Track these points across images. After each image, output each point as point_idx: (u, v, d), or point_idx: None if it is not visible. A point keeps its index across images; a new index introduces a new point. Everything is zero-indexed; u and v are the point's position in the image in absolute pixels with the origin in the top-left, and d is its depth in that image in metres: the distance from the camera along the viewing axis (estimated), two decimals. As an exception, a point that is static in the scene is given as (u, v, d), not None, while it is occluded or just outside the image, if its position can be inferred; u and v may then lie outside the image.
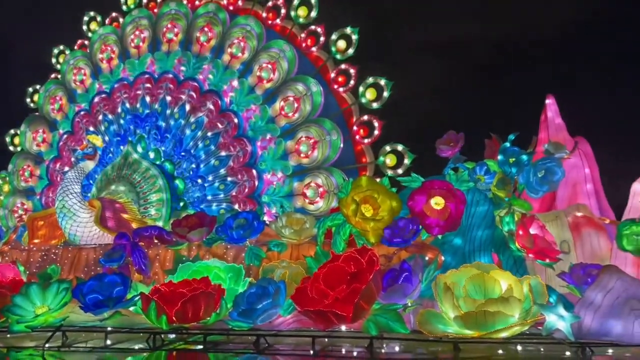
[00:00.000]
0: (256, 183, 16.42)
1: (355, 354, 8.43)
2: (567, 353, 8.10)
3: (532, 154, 11.42)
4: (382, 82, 15.79)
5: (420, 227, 10.22)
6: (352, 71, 16.33)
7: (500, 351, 8.34)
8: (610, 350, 8.30)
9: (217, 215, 12.55)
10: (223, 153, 16.97)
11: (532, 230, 10.47)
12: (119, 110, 18.82)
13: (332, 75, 16.65)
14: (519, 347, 8.47)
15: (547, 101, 15.17)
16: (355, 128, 16.17)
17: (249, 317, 8.96)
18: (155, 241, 12.31)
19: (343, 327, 8.90)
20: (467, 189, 10.88)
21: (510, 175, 11.04)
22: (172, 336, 9.51)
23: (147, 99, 18.39)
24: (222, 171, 16.94)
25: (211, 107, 17.36)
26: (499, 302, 8.13)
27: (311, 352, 8.31)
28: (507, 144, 11.21)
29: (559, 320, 8.05)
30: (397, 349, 8.79)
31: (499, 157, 11.19)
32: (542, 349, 8.54)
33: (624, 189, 13.04)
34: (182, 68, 18.18)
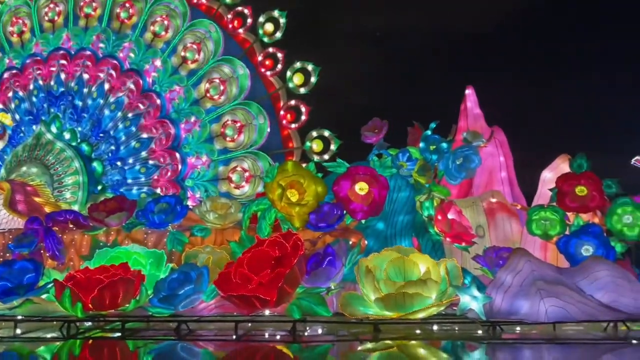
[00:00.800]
0: (179, 166, 16.01)
1: (278, 337, 8.48)
2: (479, 331, 8.55)
3: (452, 142, 11.83)
4: (310, 67, 15.78)
5: (345, 212, 10.39)
6: (279, 55, 16.20)
7: (417, 331, 8.67)
8: (518, 328, 8.84)
9: (138, 199, 12.13)
10: (145, 135, 16.39)
11: (450, 215, 10.92)
12: (31, 87, 17.69)
13: (260, 58, 16.45)
14: (435, 327, 8.85)
15: (467, 92, 15.75)
16: (282, 113, 16.10)
17: (170, 303, 8.78)
18: (71, 226, 11.73)
19: (267, 312, 8.93)
20: (390, 175, 11.15)
21: (431, 162, 11.40)
22: (88, 324, 9.17)
23: (62, 76, 17.39)
24: (144, 154, 16.37)
25: (132, 87, 16.69)
26: (418, 284, 8.44)
27: (234, 337, 8.28)
28: (429, 132, 11.56)
29: (472, 301, 8.48)
30: (319, 331, 8.94)
31: (421, 145, 11.52)
32: (456, 329, 8.96)
33: (535, 177, 13.86)
34: (101, 45, 17.31)
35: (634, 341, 8.12)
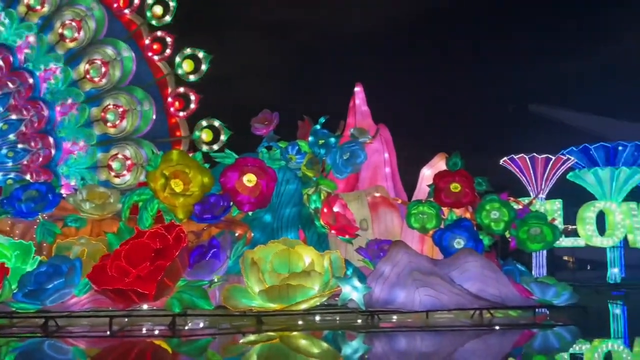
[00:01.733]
0: (53, 152, 14.85)
1: (156, 332, 8.16)
2: (359, 321, 8.85)
3: (340, 137, 12.11)
4: (201, 54, 15.32)
5: (231, 203, 10.23)
6: (168, 39, 15.56)
7: (300, 322, 8.77)
8: (394, 317, 9.26)
9: (3, 185, 11.09)
10: (13, 116, 14.99)
11: (336, 208, 11.16)
12: None
13: (147, 41, 15.69)
14: (317, 318, 9.01)
15: (356, 89, 16.18)
16: (170, 100, 15.49)
17: (37, 298, 8.14)
18: None
19: (145, 306, 8.56)
20: (279, 167, 11.16)
21: (319, 156, 11.58)
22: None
23: None
24: (12, 136, 14.97)
25: (0, 63, 15.19)
26: (302, 275, 8.54)
27: (108, 332, 7.85)
28: (318, 127, 11.71)
29: (353, 291, 8.74)
30: (201, 325, 8.74)
31: (310, 139, 11.66)
32: (337, 319, 9.19)
33: (416, 173, 14.59)
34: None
35: (497, 327, 8.83)
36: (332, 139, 11.66)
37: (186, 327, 8.47)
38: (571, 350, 7.75)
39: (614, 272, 18.91)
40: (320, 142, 11.58)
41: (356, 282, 8.70)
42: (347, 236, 11.02)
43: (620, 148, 21.95)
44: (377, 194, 13.69)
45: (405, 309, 8.98)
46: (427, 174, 13.92)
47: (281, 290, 8.37)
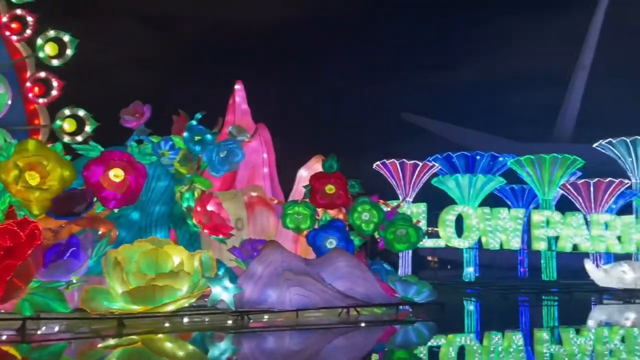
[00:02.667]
0: None
1: (4, 337, 7.40)
2: (229, 322, 8.72)
3: (217, 135, 11.86)
4: (66, 37, 14.13)
5: (95, 199, 9.59)
6: (29, 19, 14.18)
7: (166, 324, 8.43)
8: (266, 317, 9.25)
9: None
10: None
11: (210, 207, 10.91)
12: None
13: (5, 19, 14.20)
14: (185, 319, 8.73)
15: (236, 87, 15.98)
16: (28, 84, 14.14)
17: None
18: None
19: (-10, 310, 7.74)
20: (150, 163, 10.66)
21: (194, 153, 11.25)
22: None
23: None
24: None
25: None
26: (169, 276, 8.21)
27: (-57, 340, 6.99)
28: (194, 122, 11.37)
29: (223, 292, 8.59)
30: (56, 329, 8.08)
31: (185, 134, 11.28)
32: (206, 320, 8.97)
33: (293, 174, 14.74)
34: None
35: (363, 324, 9.17)
36: (209, 136, 11.39)
37: (38, 332, 7.79)
38: (428, 345, 8.26)
39: (469, 271, 20.56)
40: (196, 138, 11.25)
41: (227, 283, 8.56)
42: (220, 236, 10.82)
43: (478, 157, 23.97)
44: (254, 194, 13.62)
45: (276, 308, 9.00)
46: (303, 175, 14.12)
47: (146, 291, 8.00)
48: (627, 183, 23.66)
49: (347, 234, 11.71)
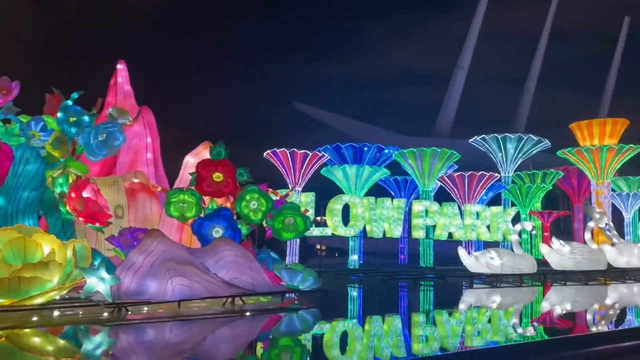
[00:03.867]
0: None
1: None
2: (105, 314, 8.25)
3: (95, 116, 11.15)
4: None
5: (-49, 183, 8.63)
6: None
7: (35, 318, 7.80)
8: (145, 308, 8.88)
9: None
10: None
11: (86, 194, 10.22)
12: None
13: None
14: (56, 312, 8.12)
15: (119, 66, 15.12)
16: None
17: None
18: None
19: None
20: (18, 144, 9.79)
21: (69, 135, 10.49)
22: None
23: None
24: None
25: None
26: (38, 266, 7.61)
27: None
28: (70, 102, 10.60)
29: (99, 283, 8.10)
30: None
31: (59, 115, 10.49)
32: (80, 312, 8.43)
33: (180, 160, 14.25)
34: None
35: (248, 313, 9.11)
36: (86, 118, 10.69)
37: None
38: (312, 331, 8.40)
39: (354, 259, 21.22)
40: (72, 119, 10.51)
41: (103, 273, 8.08)
42: (97, 224, 10.20)
43: (365, 149, 24.75)
44: (136, 180, 13.01)
45: (156, 299, 8.67)
46: (190, 161, 13.71)
47: (11, 282, 7.35)
48: (497, 176, 25.69)
49: (234, 223, 11.55)
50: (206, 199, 11.97)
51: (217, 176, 11.86)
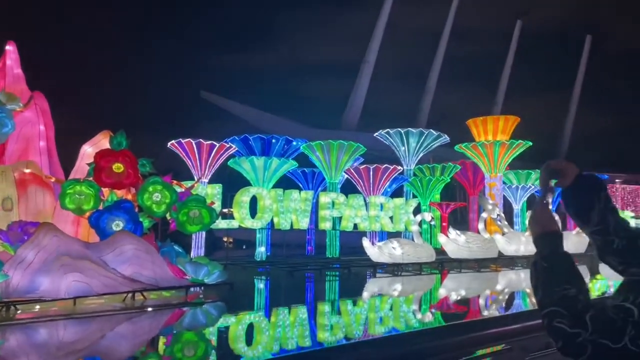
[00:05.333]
0: None
1: None
2: (-10, 314, 7.67)
3: (-21, 101, 10.28)
4: None
5: None
6: None
7: None
8: (37, 306, 8.34)
9: None
10: None
11: (-32, 185, 9.43)
12: None
13: None
14: None
15: (8, 47, 14.03)
16: None
17: None
18: None
19: None
20: None
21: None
22: None
23: None
24: None
25: None
26: None
27: None
28: (-51, 84, 9.69)
29: (-16, 281, 7.52)
30: None
31: None
32: (-39, 314, 7.77)
33: (77, 149, 13.46)
34: None
35: (150, 308, 8.82)
36: (-32, 102, 9.81)
37: None
38: (218, 324, 8.31)
39: (261, 251, 21.17)
40: (-48, 103, 9.61)
41: (-12, 270, 7.50)
42: (-19, 217, 9.43)
43: (274, 140, 24.72)
44: (27, 170, 12.17)
45: (49, 296, 8.17)
46: (88, 151, 13.00)
47: None
48: (400, 169, 26.67)
49: (135, 216, 11.12)
50: (105, 190, 11.43)
51: (118, 167, 11.35)
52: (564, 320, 1.54)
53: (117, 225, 10.76)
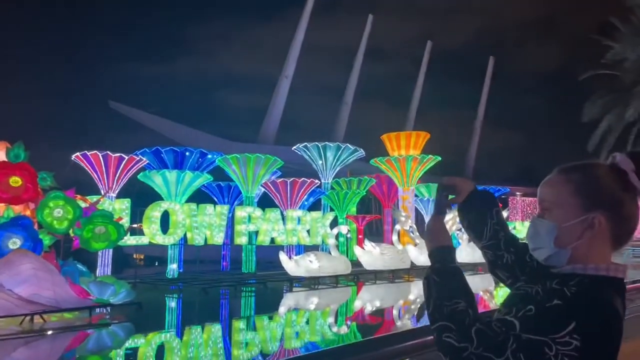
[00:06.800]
0: None
1: None
2: None
3: None
4: None
5: None
6: None
7: None
8: None
9: None
10: None
11: None
12: None
13: None
14: None
15: None
16: None
17: None
18: None
19: None
20: None
21: None
22: None
23: None
24: None
25: None
26: None
27: None
28: None
29: None
30: None
31: None
32: None
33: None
34: None
35: (50, 332, 8.21)
36: None
37: None
38: (125, 346, 7.86)
39: (173, 268, 20.42)
40: None
41: None
42: None
43: (187, 153, 24.07)
44: None
45: None
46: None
47: None
48: (317, 183, 26.86)
49: (34, 233, 10.37)
50: (1, 206, 10.59)
51: (15, 181, 10.57)
52: (452, 334, 1.54)
53: (14, 243, 9.98)
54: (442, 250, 1.77)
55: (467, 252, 21.55)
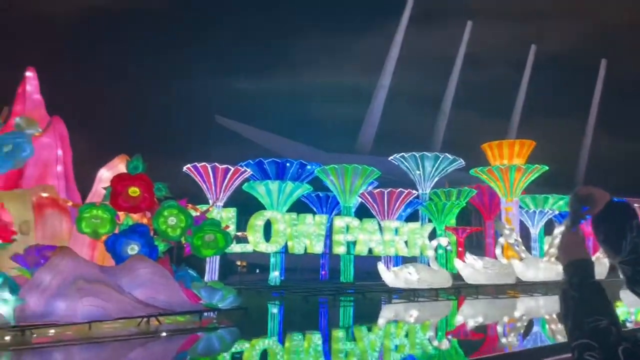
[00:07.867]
0: None
1: None
2: (7, 338, 7.67)
3: (1, 126, 10.49)
4: None
5: None
6: None
7: None
8: (52, 330, 8.33)
9: None
10: None
11: (-13, 209, 9.54)
12: None
13: None
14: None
15: (28, 74, 14.32)
16: None
17: None
18: None
19: None
20: None
21: (-31, 146, 9.78)
22: None
23: None
24: None
25: None
26: None
27: None
28: (-29, 110, 9.90)
29: (2, 305, 7.55)
30: None
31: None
32: (-22, 338, 7.79)
33: (94, 174, 13.61)
34: None
35: (164, 334, 8.77)
36: (-10, 127, 10.00)
37: None
38: (232, 350, 8.22)
39: (275, 275, 21.06)
40: (-29, 129, 9.80)
41: (6, 294, 7.53)
42: (0, 241, 9.51)
43: (288, 164, 24.80)
44: (45, 194, 12.28)
45: (64, 320, 8.16)
46: (105, 175, 13.13)
47: None
48: (415, 193, 26.54)
49: (150, 240, 11.14)
50: (121, 214, 11.49)
51: (134, 191, 11.42)
52: (594, 353, 1.48)
53: (133, 249, 10.78)
54: (579, 263, 1.71)
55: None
